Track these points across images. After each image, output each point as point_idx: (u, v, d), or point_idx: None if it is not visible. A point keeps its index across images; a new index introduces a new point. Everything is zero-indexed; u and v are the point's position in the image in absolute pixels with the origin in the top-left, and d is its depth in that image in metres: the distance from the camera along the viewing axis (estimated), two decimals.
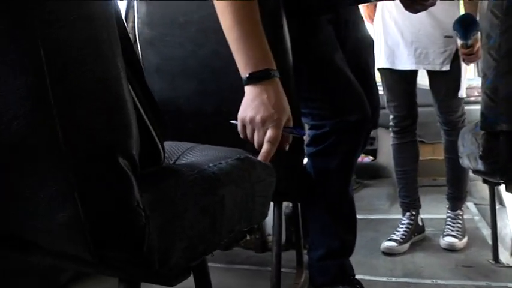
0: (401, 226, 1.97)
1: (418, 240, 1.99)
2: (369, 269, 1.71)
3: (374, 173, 3.04)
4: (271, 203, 1.72)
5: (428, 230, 2.10)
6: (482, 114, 1.24)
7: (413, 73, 1.93)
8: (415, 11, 1.29)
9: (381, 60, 1.94)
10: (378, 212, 2.51)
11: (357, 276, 1.64)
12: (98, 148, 0.46)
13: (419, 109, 2.02)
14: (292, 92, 1.10)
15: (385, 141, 2.67)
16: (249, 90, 0.89)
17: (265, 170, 0.75)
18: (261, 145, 0.83)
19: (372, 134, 3.09)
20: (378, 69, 1.96)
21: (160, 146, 0.52)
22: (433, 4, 1.23)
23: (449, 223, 1.97)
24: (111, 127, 0.47)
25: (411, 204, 2.02)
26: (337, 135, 1.16)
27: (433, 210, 2.37)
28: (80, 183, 0.46)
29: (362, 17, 1.48)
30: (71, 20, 0.44)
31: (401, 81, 1.94)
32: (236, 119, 1.09)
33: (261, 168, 0.74)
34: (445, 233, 1.92)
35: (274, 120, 0.84)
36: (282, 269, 1.80)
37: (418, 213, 2.03)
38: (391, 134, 2.05)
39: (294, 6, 1.12)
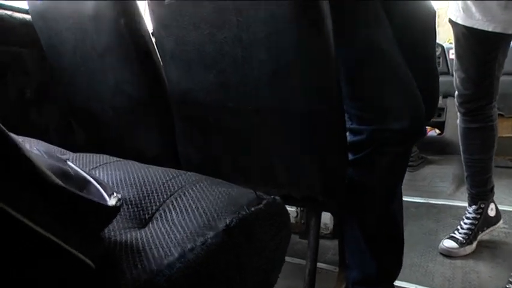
0: (466, 221, 1.66)
1: (486, 240, 1.71)
2: (423, 275, 1.49)
3: (440, 149, 2.69)
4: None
5: (499, 228, 1.81)
6: None
7: (502, 38, 1.36)
8: None
9: (453, 9, 1.40)
10: (441, 196, 2.23)
11: (408, 285, 1.44)
12: None
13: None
14: (333, 82, 0.87)
15: (455, 113, 2.34)
16: None
17: (273, 226, 0.55)
18: None
19: (441, 103, 2.73)
20: (449, 19, 1.45)
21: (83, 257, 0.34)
22: None
23: None
24: None
25: (480, 196, 1.64)
26: (376, 146, 0.92)
27: (507, 201, 2.05)
28: None
29: None
30: None
31: (479, 47, 1.39)
32: (264, 118, 0.90)
33: (267, 226, 0.54)
34: None
35: None
36: (324, 266, 1.64)
37: (488, 204, 1.65)
38: (458, 114, 1.61)
39: None
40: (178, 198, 0.55)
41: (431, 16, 1.15)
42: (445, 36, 2.73)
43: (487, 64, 1.43)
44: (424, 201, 2.18)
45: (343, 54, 0.88)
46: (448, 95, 2.55)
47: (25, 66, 1.29)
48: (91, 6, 1.06)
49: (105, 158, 0.75)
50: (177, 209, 0.52)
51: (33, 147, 0.44)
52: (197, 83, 0.98)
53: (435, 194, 2.27)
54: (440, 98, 2.65)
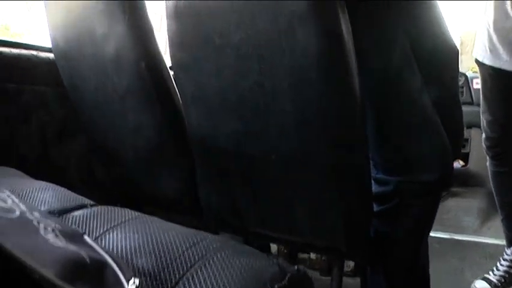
0: (502, 263, 1.57)
1: None
2: None
3: (465, 181, 2.61)
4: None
5: None
6: None
7: None
8: None
9: (479, 49, 1.38)
10: (466, 231, 2.15)
11: None
12: None
13: None
14: (360, 135, 0.84)
15: (479, 144, 2.27)
16: None
17: None
18: None
19: (465, 134, 2.67)
20: (476, 60, 1.43)
21: None
22: None
23: None
24: None
25: None
26: (403, 198, 0.88)
27: None
28: None
29: (440, 13, 1.08)
30: None
31: (506, 90, 1.36)
32: (288, 167, 0.88)
33: None
34: None
35: None
36: None
37: None
38: (487, 156, 1.58)
39: None
40: (199, 271, 0.52)
41: (455, 54, 1.12)
42: (468, 65, 2.68)
43: None
44: (449, 236, 2.10)
45: (372, 103, 0.85)
46: (472, 125, 2.49)
47: (48, 105, 1.30)
48: (112, 48, 1.06)
49: (124, 214, 0.73)
50: (198, 286, 0.50)
51: (48, 227, 0.43)
52: (218, 129, 0.97)
53: (460, 229, 2.19)
54: (464, 128, 2.59)
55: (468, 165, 2.67)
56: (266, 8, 0.79)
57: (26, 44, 1.30)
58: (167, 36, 0.96)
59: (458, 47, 2.78)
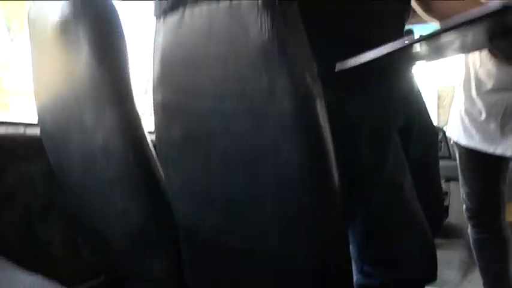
0: None
1: None
2: None
3: (445, 233, 2.66)
4: None
5: None
6: None
7: (501, 160, 1.40)
8: None
9: (455, 129, 1.49)
10: (447, 285, 2.18)
11: None
12: None
13: None
14: (342, 237, 0.87)
15: (459, 197, 2.32)
16: None
17: None
18: None
19: (444, 188, 2.73)
20: (451, 140, 1.56)
21: None
22: None
23: None
24: None
25: None
26: None
27: None
28: None
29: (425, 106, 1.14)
30: None
31: (481, 167, 1.45)
32: (270, 260, 0.90)
33: None
34: None
35: None
36: None
37: None
38: (468, 224, 1.64)
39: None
40: None
41: (436, 136, 1.18)
42: (445, 118, 2.76)
43: (490, 182, 1.44)
44: None
45: (363, 204, 0.88)
46: (450, 179, 2.56)
47: (33, 181, 1.30)
48: (100, 137, 1.09)
49: None
50: None
51: None
52: (204, 221, 0.99)
53: (441, 282, 2.22)
54: (443, 182, 2.66)
55: (448, 219, 2.72)
56: (252, 120, 0.82)
57: (12, 123, 1.31)
58: (155, 131, 0.99)
59: (436, 101, 2.88)
